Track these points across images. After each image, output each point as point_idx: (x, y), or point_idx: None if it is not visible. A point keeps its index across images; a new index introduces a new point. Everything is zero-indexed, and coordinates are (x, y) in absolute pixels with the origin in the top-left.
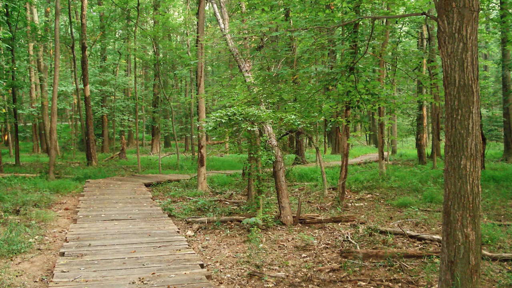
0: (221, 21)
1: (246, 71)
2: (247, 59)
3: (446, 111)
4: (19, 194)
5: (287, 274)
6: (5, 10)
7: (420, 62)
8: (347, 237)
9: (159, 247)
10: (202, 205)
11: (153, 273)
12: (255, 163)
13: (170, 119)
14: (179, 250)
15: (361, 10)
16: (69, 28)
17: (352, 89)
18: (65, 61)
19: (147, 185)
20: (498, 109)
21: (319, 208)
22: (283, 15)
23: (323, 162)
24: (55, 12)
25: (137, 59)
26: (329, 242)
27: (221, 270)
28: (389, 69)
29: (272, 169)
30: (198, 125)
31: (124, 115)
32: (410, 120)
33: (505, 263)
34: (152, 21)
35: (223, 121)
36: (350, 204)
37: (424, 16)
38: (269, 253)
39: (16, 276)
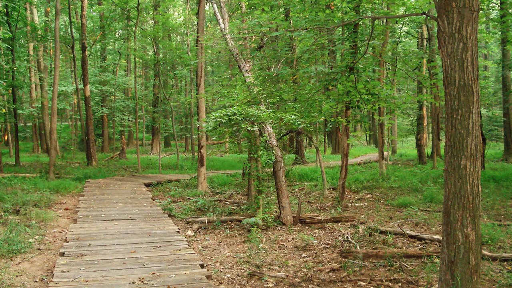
0: (221, 21)
1: (246, 71)
2: (247, 59)
3: (446, 111)
4: (19, 194)
5: (287, 274)
6: (5, 10)
7: (420, 62)
8: (347, 237)
9: (159, 247)
10: (202, 205)
11: (153, 273)
12: (255, 163)
13: (170, 119)
14: (179, 250)
15: (361, 10)
16: (69, 28)
17: (352, 89)
18: (65, 61)
19: (147, 185)
20: (498, 109)
21: (319, 208)
22: (283, 15)
23: (323, 162)
24: (55, 12)
25: (137, 59)
26: (329, 242)
27: (221, 270)
28: (389, 69)
29: (272, 169)
30: (198, 125)
31: (124, 115)
32: (410, 120)
33: (505, 263)
34: (152, 21)
35: (223, 121)
36: (350, 204)
37: (424, 16)
38: (269, 253)
39: (16, 276)
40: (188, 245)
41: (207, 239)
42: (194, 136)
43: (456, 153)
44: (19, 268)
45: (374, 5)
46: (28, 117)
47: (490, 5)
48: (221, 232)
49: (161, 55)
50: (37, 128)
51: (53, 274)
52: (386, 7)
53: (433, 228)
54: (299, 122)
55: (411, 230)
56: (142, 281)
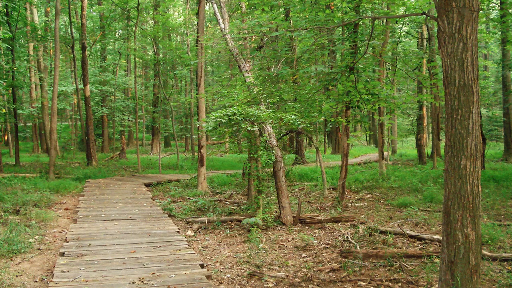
0: (221, 21)
1: (246, 71)
2: (247, 59)
3: (446, 111)
4: (19, 194)
5: (287, 274)
6: (5, 10)
7: (420, 62)
8: (347, 237)
9: (159, 247)
10: (202, 205)
11: (153, 273)
12: (255, 163)
13: (170, 119)
14: (179, 250)
15: (361, 10)
16: (69, 28)
17: (352, 89)
18: (65, 61)
19: (147, 185)
20: (498, 109)
21: (319, 208)
22: (283, 15)
23: (323, 162)
24: (55, 12)
25: (137, 59)
26: (329, 242)
27: (221, 270)
28: (389, 69)
29: (272, 169)
30: (198, 125)
31: (124, 115)
32: (410, 120)
33: (505, 263)
34: (152, 21)
35: (223, 121)
36: (350, 204)
37: (424, 16)
38: (269, 253)
39: (16, 276)
40: (188, 245)
41: (207, 239)
42: (194, 136)
43: (456, 153)
44: (19, 268)
45: (374, 5)
46: (28, 117)
47: (490, 5)
48: (221, 232)
49: (161, 55)
50: (37, 128)
51: (53, 274)
52: (386, 7)
53: (433, 228)
54: (299, 122)
55: (411, 230)
56: (142, 281)
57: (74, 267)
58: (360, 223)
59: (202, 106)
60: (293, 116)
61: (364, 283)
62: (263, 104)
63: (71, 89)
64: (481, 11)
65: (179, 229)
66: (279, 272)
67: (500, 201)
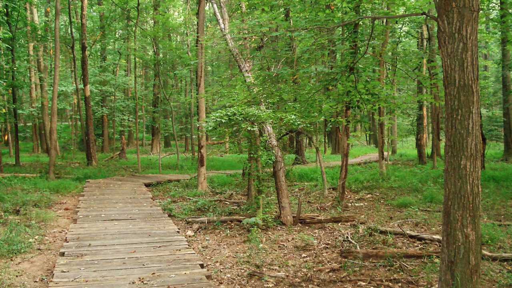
0: (221, 21)
1: (246, 71)
2: (247, 59)
3: (446, 111)
4: (19, 194)
5: (287, 274)
6: (5, 10)
7: (420, 62)
8: (347, 237)
9: (159, 247)
10: (202, 205)
11: (153, 273)
12: (255, 163)
13: (170, 119)
14: (179, 250)
15: (361, 10)
16: (69, 28)
17: (352, 89)
18: (65, 61)
19: (147, 185)
20: (498, 109)
21: (319, 208)
22: (283, 15)
23: (323, 162)
24: (55, 12)
25: (137, 59)
26: (329, 242)
27: (221, 270)
28: (389, 69)
29: (272, 169)
30: (198, 125)
31: (124, 115)
32: (410, 120)
33: (505, 263)
34: (152, 21)
35: (223, 121)
36: (350, 204)
37: (424, 16)
38: (269, 253)
39: (16, 276)
40: (188, 245)
41: (207, 239)
42: (194, 136)
43: (456, 153)
44: (19, 268)
45: (374, 5)
46: (28, 117)
47: (490, 5)
48: (221, 232)
49: (161, 55)
50: (37, 128)
51: (53, 274)
52: (386, 7)
53: (433, 228)
54: (299, 122)
55: (411, 230)
56: (142, 281)
57: (74, 267)
58: (360, 223)
59: (202, 106)
60: (293, 116)
61: (364, 283)
62: (263, 104)
63: (71, 89)
64: (481, 11)
65: (179, 229)
66: (279, 272)
67: (500, 201)
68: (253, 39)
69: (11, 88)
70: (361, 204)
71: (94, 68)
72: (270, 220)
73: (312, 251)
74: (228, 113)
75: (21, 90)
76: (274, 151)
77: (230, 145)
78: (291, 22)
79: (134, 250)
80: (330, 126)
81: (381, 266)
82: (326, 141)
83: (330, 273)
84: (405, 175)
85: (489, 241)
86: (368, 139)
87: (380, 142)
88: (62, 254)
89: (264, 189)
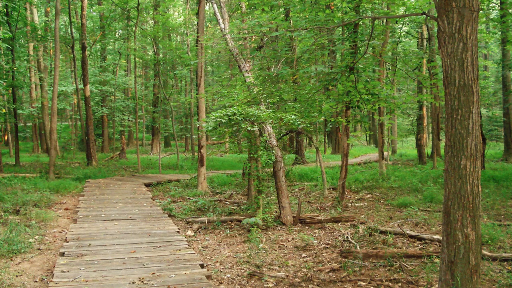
0: (221, 21)
1: (246, 71)
2: (247, 59)
3: (446, 111)
4: (19, 194)
5: (287, 274)
6: (5, 10)
7: (420, 62)
8: (347, 237)
9: (159, 247)
10: (202, 205)
11: (153, 273)
12: (255, 163)
13: (170, 119)
14: (179, 250)
15: (361, 10)
16: (69, 28)
17: (352, 89)
18: (65, 61)
19: (147, 185)
20: (498, 109)
21: (319, 208)
22: (283, 15)
23: (323, 162)
24: (55, 12)
25: (137, 59)
26: (329, 242)
27: (221, 270)
28: (389, 69)
29: (272, 169)
30: (198, 125)
31: (124, 115)
32: (410, 120)
33: (505, 263)
34: (152, 21)
35: (223, 121)
36: (350, 204)
37: (424, 16)
38: (269, 253)
39: (16, 276)
40: (188, 245)
41: (207, 239)
42: (194, 136)
43: (456, 153)
44: (19, 268)
45: (374, 5)
46: (28, 117)
47: (490, 5)
48: (221, 232)
49: (161, 55)
50: (37, 128)
51: (53, 274)
52: (386, 7)
53: (433, 228)
54: (299, 122)
55: (411, 230)
56: (142, 281)
57: (74, 267)
58: (360, 223)
59: (202, 106)
60: (293, 116)
61: (364, 283)
62: (263, 104)
63: (71, 89)
64: (481, 11)
65: (179, 229)
66: (279, 272)
67: (500, 201)
68: (253, 39)
69: (11, 88)
70: (361, 204)
71: (94, 68)
72: (270, 220)
73: (312, 251)
74: (228, 113)
75: (21, 90)
76: (274, 151)
77: (230, 145)
78: (291, 22)
79: (134, 250)
80: (330, 126)
81: (381, 266)
82: (326, 141)
83: (330, 273)
84: (405, 175)
85: (489, 241)
86: (368, 139)
87: (380, 142)
88: (62, 254)
89: (264, 189)
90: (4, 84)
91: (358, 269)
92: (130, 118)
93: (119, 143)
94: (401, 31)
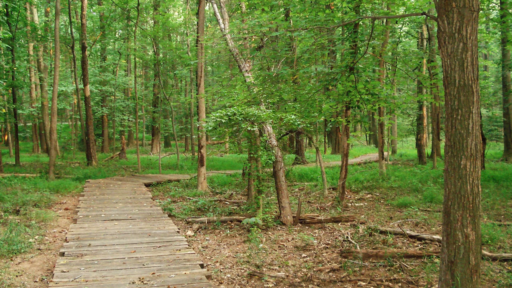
0: (221, 21)
1: (246, 71)
2: (247, 59)
3: (446, 111)
4: (19, 194)
5: (287, 274)
6: (5, 10)
7: (420, 62)
8: (347, 237)
9: (159, 247)
10: (202, 205)
11: (153, 273)
12: (255, 163)
13: (170, 119)
14: (179, 250)
15: (361, 10)
16: (69, 28)
17: (352, 89)
18: (65, 61)
19: (147, 185)
20: (498, 109)
21: (319, 208)
22: (283, 15)
23: (323, 162)
24: (55, 12)
25: (137, 59)
26: (329, 242)
27: (221, 270)
28: (389, 69)
29: (272, 169)
30: (198, 125)
31: (124, 115)
32: (410, 120)
33: (505, 263)
34: (152, 21)
35: (223, 121)
36: (350, 204)
37: (424, 16)
38: (269, 253)
39: (16, 276)
40: (188, 245)
41: (207, 239)
42: (194, 136)
43: (456, 153)
44: (19, 268)
45: (374, 5)
46: (28, 117)
47: (490, 5)
48: (221, 232)
49: (161, 55)
50: (37, 128)
51: (53, 274)
52: (386, 7)
53: (433, 228)
54: (299, 122)
55: (411, 230)
56: (142, 281)
57: (74, 267)
58: (360, 223)
59: (202, 106)
60: (293, 116)
61: (364, 283)
62: (263, 104)
63: (71, 89)
64: (481, 11)
65: (179, 229)
66: (279, 272)
67: (500, 201)
68: (253, 39)
69: (11, 88)
70: (361, 204)
71: (94, 68)
72: (270, 220)
73: (312, 251)
74: (228, 113)
75: (21, 90)
76: (274, 151)
77: (230, 145)
78: (291, 22)
79: (134, 250)
80: (330, 126)
81: (381, 266)
82: (326, 141)
83: (330, 273)
84: (405, 175)
85: (489, 241)
86: (368, 139)
87: (380, 142)
88: (62, 254)
89: (264, 189)
90: (4, 84)
91: (358, 269)
92: (130, 118)
93: (119, 143)
94: (401, 31)
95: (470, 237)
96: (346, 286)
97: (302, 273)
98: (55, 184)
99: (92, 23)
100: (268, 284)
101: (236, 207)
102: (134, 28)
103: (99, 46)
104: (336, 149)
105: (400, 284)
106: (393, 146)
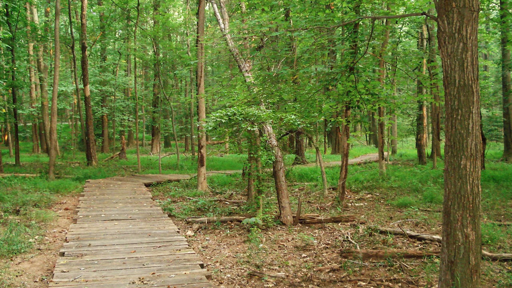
0: (221, 21)
1: (246, 71)
2: (247, 59)
3: (446, 111)
4: (19, 194)
5: (287, 274)
6: (5, 10)
7: (420, 62)
8: (347, 237)
9: (159, 247)
10: (202, 205)
11: (153, 273)
12: (255, 163)
13: (170, 119)
14: (179, 250)
15: (361, 10)
16: (69, 28)
17: (352, 89)
18: (65, 61)
19: (147, 185)
20: (498, 109)
21: (319, 208)
22: (283, 15)
23: (323, 162)
24: (55, 12)
25: (137, 59)
26: (329, 242)
27: (221, 270)
28: (389, 69)
29: (272, 169)
30: (198, 125)
31: (124, 115)
32: (410, 120)
33: (505, 263)
34: (152, 21)
35: (223, 121)
36: (350, 204)
37: (424, 16)
38: (269, 253)
39: (16, 276)
40: (188, 245)
41: (207, 239)
42: (194, 136)
43: (456, 153)
44: (19, 268)
45: (374, 5)
46: (28, 117)
47: (490, 5)
48: (221, 232)
49: (161, 55)
50: (37, 128)
51: (53, 274)
52: (386, 7)
53: (433, 228)
54: (299, 122)
55: (411, 230)
56: (142, 281)
57: (74, 267)
58: (360, 223)
59: (202, 106)
60: (293, 116)
61: (364, 283)
62: (263, 104)
63: (71, 89)
64: (481, 11)
65: (179, 229)
66: (279, 272)
67: (500, 201)
68: (253, 39)
69: (11, 88)
70: (361, 204)
71: (94, 68)
72: (270, 220)
73: (312, 251)
74: (228, 113)
75: (21, 90)
76: (274, 151)
77: (230, 145)
78: (291, 22)
79: (134, 250)
80: (330, 126)
81: (381, 266)
82: (326, 141)
83: (330, 273)
84: (405, 175)
85: (489, 241)
86: (368, 139)
87: (380, 142)
88: (62, 254)
89: (264, 189)
90: (4, 84)
91: (358, 269)
92: (130, 118)
93: (119, 143)
94: (401, 31)
95: (470, 237)
96: (346, 286)
97: (302, 273)
98: (55, 184)
99: (92, 23)
100: (268, 284)
101: (236, 207)
102: (134, 28)
103: (99, 46)
104: (336, 149)
105: (400, 284)
106: (393, 146)
